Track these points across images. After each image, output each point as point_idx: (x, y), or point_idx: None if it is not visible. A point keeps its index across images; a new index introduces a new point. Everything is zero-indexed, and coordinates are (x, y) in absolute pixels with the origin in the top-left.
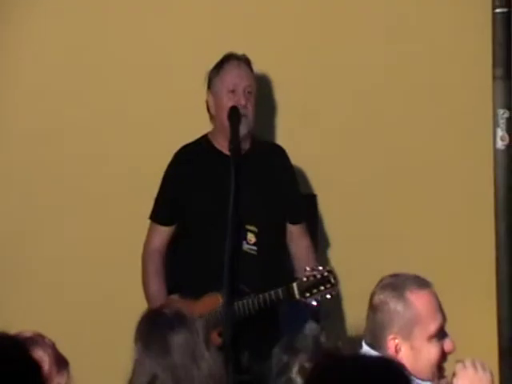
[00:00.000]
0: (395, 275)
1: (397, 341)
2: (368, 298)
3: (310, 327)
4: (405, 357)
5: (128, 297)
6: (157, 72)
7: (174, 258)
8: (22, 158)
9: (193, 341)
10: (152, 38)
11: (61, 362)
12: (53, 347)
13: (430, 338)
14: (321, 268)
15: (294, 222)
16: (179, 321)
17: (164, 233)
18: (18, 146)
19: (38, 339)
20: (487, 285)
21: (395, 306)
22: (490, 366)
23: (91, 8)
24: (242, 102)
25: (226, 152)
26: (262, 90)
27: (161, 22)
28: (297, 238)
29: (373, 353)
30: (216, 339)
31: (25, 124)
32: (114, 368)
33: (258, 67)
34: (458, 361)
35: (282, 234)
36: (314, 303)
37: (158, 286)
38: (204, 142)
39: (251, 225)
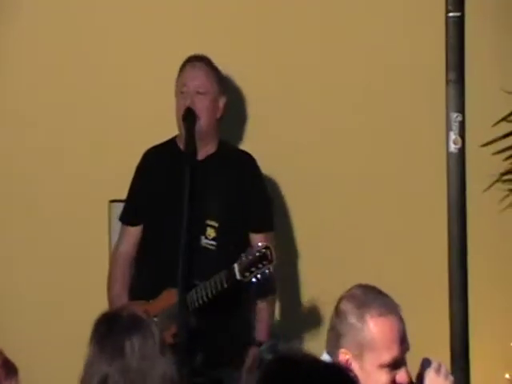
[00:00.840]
0: (367, 288)
1: (347, 356)
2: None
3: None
4: (356, 373)
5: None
6: (138, 79)
7: (138, 259)
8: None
9: (148, 345)
10: (140, 44)
11: (9, 369)
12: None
13: (382, 366)
14: (259, 245)
15: (255, 231)
16: (135, 324)
17: (130, 234)
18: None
19: None
20: (440, 288)
21: (353, 322)
22: None
23: (79, 12)
24: (187, 101)
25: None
26: (235, 98)
27: (149, 26)
28: None
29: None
30: (169, 338)
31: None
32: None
33: (239, 73)
34: (424, 358)
35: (243, 234)
36: (254, 280)
37: (118, 290)
38: (171, 143)
39: (212, 220)
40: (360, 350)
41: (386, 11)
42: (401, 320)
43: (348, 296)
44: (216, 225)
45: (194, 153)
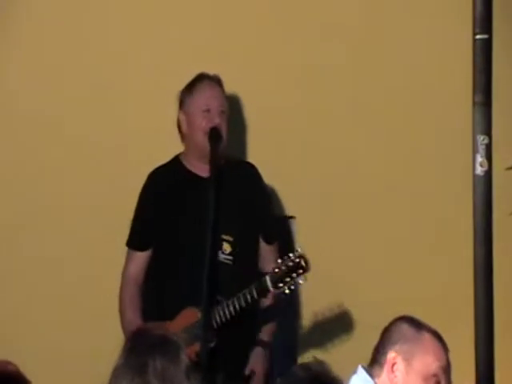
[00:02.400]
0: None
1: (395, 358)
2: (349, 316)
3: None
4: (399, 379)
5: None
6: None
7: (152, 282)
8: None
9: (172, 369)
10: (152, 59)
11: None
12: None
13: (426, 378)
14: (291, 255)
15: (266, 241)
16: (163, 345)
17: (139, 259)
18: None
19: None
20: (465, 311)
21: (409, 331)
22: None
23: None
24: (217, 120)
25: (199, 172)
26: (235, 110)
27: (143, 38)
28: (267, 257)
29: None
30: (192, 355)
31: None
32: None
33: (230, 87)
34: None
35: (257, 245)
36: (287, 291)
37: (132, 314)
38: (177, 163)
39: (226, 234)
40: (411, 356)
41: (413, 33)
42: (448, 356)
43: (403, 317)
44: (231, 239)
45: (220, 173)
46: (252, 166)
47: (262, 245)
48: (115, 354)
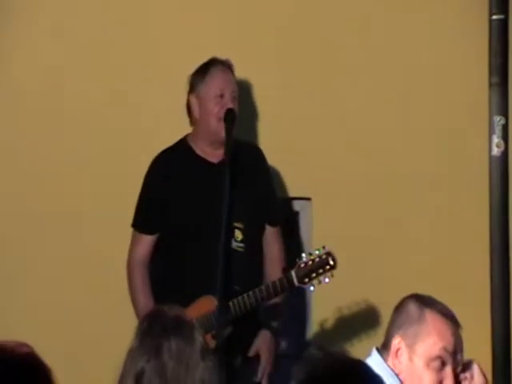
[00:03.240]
0: (431, 297)
1: (400, 344)
2: (364, 303)
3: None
4: (403, 365)
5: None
6: (143, 77)
7: (160, 266)
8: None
9: (187, 349)
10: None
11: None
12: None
13: (430, 360)
14: (318, 252)
15: (272, 224)
16: (177, 326)
17: (146, 242)
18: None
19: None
20: (481, 292)
21: (413, 309)
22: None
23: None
24: (230, 105)
25: (209, 158)
26: (246, 97)
27: (148, 28)
28: (271, 240)
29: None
30: (210, 341)
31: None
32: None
33: (244, 72)
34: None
35: (263, 230)
36: (312, 288)
37: (146, 298)
38: (184, 147)
39: (237, 222)
40: (414, 340)
41: (428, 14)
42: (458, 331)
43: (411, 296)
44: (242, 226)
45: (234, 154)
46: (257, 149)
47: (267, 228)
48: (129, 337)
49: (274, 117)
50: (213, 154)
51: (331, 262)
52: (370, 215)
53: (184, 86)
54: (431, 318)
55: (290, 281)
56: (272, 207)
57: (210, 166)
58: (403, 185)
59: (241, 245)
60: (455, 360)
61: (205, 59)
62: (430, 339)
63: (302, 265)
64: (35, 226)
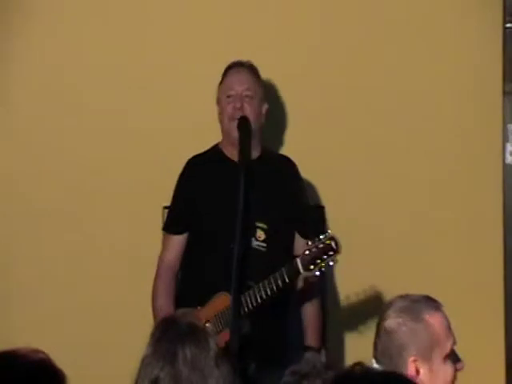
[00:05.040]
0: (405, 297)
1: (416, 362)
2: (373, 311)
3: (310, 355)
4: (423, 379)
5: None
6: (165, 83)
7: (186, 268)
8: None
9: (201, 356)
10: (155, 48)
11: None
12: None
13: (446, 358)
14: (322, 237)
15: (303, 236)
16: (191, 333)
17: (176, 243)
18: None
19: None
20: (495, 300)
21: (414, 327)
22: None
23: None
24: (237, 104)
25: (233, 158)
26: (270, 102)
27: (164, 31)
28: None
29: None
30: (221, 343)
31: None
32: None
33: (267, 79)
34: None
35: (291, 235)
36: (317, 273)
37: (164, 300)
38: (214, 150)
39: (261, 222)
40: (428, 351)
41: (443, 22)
42: (445, 312)
43: (393, 311)
44: (265, 227)
45: (249, 161)
46: (290, 161)
47: (300, 240)
48: (132, 335)
49: (288, 125)
50: (235, 154)
51: (334, 247)
52: (384, 221)
53: (188, 86)
54: (432, 320)
55: (296, 269)
56: (303, 219)
57: (233, 166)
58: (417, 193)
59: (263, 244)
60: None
61: (223, 63)
62: (441, 343)
63: (307, 252)
64: (35, 226)
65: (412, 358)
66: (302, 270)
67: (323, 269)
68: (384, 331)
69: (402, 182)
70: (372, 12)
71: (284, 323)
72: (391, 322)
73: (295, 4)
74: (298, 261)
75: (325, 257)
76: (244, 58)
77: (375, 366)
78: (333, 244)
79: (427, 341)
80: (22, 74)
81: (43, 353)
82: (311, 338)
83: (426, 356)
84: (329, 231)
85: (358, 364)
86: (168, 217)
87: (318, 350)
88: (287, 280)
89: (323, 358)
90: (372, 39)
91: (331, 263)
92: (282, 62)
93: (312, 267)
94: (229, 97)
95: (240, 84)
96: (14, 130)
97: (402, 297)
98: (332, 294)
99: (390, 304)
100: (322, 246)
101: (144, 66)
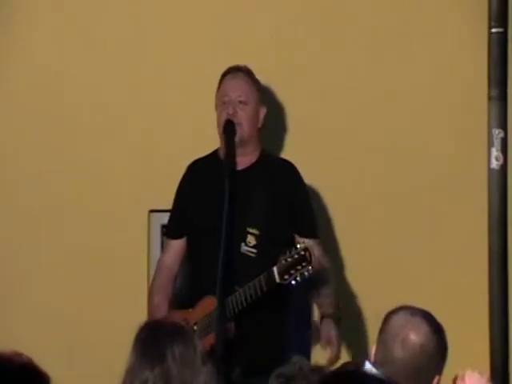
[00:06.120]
0: (412, 311)
1: (439, 380)
2: (373, 311)
3: (296, 358)
4: None
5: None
6: (164, 89)
7: (183, 270)
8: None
9: (189, 353)
10: (152, 49)
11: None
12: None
13: None
14: (298, 247)
15: (303, 235)
16: (177, 332)
17: (174, 247)
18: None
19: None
20: (480, 303)
21: (435, 344)
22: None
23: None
24: (230, 110)
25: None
26: (270, 106)
27: (163, 34)
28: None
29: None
30: (206, 347)
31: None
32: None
33: (267, 81)
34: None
35: (285, 242)
36: (293, 283)
37: (158, 301)
38: (214, 156)
39: (253, 227)
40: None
41: (428, 27)
42: None
43: (411, 328)
44: (257, 232)
45: (234, 164)
46: (291, 165)
47: (299, 239)
48: (128, 335)
49: (290, 128)
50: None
51: (308, 258)
52: (371, 227)
53: (185, 90)
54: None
55: (273, 278)
56: (305, 221)
57: (234, 173)
58: (403, 198)
59: (253, 250)
60: None
61: (220, 66)
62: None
63: (283, 261)
64: (34, 226)
65: (435, 376)
66: (278, 279)
67: (298, 279)
68: (412, 345)
69: (388, 186)
70: (361, 16)
71: (273, 329)
72: (423, 338)
73: (295, 5)
74: (275, 269)
75: (299, 267)
76: (244, 60)
77: (373, 370)
78: (307, 255)
79: (444, 356)
80: (18, 75)
81: (26, 356)
82: (328, 305)
83: (443, 371)
84: (304, 241)
85: (348, 364)
86: (168, 222)
87: (337, 318)
88: (264, 288)
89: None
90: (361, 43)
91: (306, 274)
92: (281, 64)
93: (287, 277)
94: (223, 103)
95: (233, 90)
96: (14, 130)
97: (408, 309)
98: None
99: (395, 318)
100: (296, 256)
101: (138, 70)
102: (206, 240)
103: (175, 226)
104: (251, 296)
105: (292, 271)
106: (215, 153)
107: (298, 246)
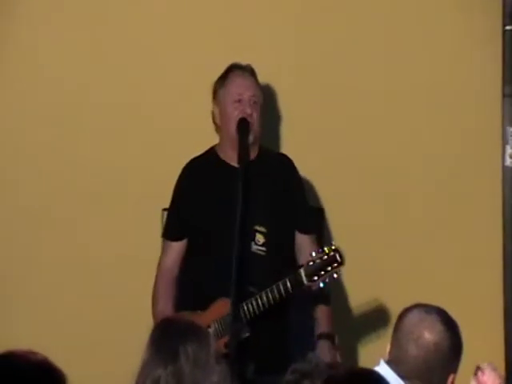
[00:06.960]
0: (426, 309)
1: (453, 379)
2: (373, 309)
3: (312, 355)
4: None
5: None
6: (161, 83)
7: (186, 273)
8: (33, 165)
9: (202, 353)
10: (154, 48)
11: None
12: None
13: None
14: (326, 248)
15: (303, 231)
16: (192, 331)
17: (175, 249)
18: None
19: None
20: (494, 302)
21: (449, 343)
22: None
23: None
24: (248, 111)
25: (232, 163)
26: (268, 102)
27: (163, 35)
28: (305, 247)
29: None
30: (221, 348)
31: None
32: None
33: (264, 79)
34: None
35: (291, 237)
36: (321, 285)
37: (162, 306)
38: (211, 154)
39: (260, 225)
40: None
41: (442, 25)
42: None
43: (427, 327)
44: (264, 230)
45: (248, 164)
46: (287, 158)
47: (300, 236)
48: (129, 334)
49: (288, 125)
50: (236, 159)
51: (339, 259)
52: (382, 225)
53: (188, 88)
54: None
55: (299, 279)
56: (302, 215)
57: (233, 170)
58: (416, 196)
59: (262, 248)
60: None
61: (220, 64)
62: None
63: (311, 263)
64: (34, 226)
65: (452, 376)
66: (305, 281)
67: (327, 280)
68: (426, 344)
69: (401, 184)
70: (371, 14)
71: (285, 327)
72: (437, 337)
73: (295, 5)
74: (302, 271)
75: (329, 268)
76: (244, 60)
77: (388, 368)
78: (337, 256)
79: (460, 354)
80: (19, 75)
81: (41, 354)
82: (323, 325)
83: (457, 369)
84: (333, 243)
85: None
86: (166, 223)
87: (332, 337)
88: (290, 290)
89: (337, 343)
90: (372, 41)
91: (335, 275)
92: (281, 64)
93: (316, 278)
94: (236, 102)
95: (248, 89)
96: (15, 129)
97: (422, 308)
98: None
99: (411, 316)
100: (326, 257)
101: (142, 69)
102: (211, 241)
103: (175, 227)
104: (274, 298)
105: (321, 272)
106: (212, 150)
107: (326, 247)
